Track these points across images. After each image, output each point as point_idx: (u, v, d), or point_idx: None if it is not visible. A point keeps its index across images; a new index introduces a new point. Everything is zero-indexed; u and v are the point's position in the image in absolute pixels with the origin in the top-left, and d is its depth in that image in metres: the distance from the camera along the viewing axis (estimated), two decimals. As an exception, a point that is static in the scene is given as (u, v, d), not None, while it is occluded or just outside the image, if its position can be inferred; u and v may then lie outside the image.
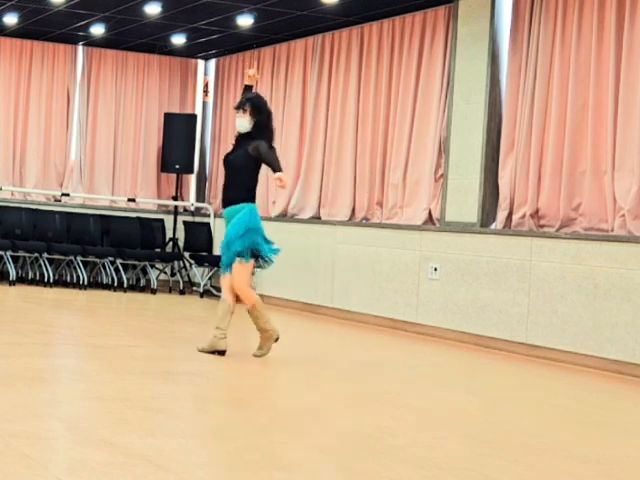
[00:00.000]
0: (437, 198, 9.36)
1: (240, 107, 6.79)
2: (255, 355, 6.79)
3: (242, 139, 6.83)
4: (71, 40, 12.64)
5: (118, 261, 12.02)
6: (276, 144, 11.71)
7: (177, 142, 12.80)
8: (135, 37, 12.26)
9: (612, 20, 7.72)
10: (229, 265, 6.67)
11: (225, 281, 6.75)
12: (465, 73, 9.00)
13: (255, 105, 6.77)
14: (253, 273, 7.00)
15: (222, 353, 6.69)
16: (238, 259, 6.62)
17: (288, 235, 11.23)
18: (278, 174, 6.41)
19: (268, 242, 6.75)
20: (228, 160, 6.85)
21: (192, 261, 12.49)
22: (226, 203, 6.77)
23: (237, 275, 6.64)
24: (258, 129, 6.74)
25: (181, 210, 13.22)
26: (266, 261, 6.73)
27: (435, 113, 9.43)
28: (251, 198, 6.72)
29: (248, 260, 6.64)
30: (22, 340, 6.94)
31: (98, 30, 11.83)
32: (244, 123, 6.77)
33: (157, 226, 12.74)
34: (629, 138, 7.54)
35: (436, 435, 4.63)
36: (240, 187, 6.72)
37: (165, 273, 12.73)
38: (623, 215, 7.54)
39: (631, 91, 7.55)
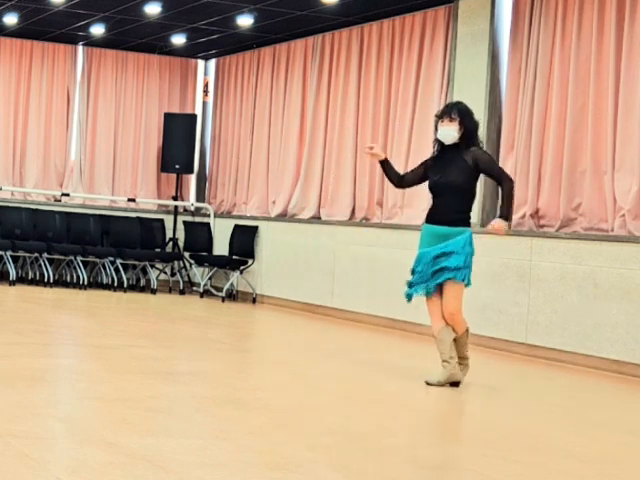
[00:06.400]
0: (437, 198, 9.34)
1: (446, 115, 6.10)
2: (439, 382, 6.10)
3: (448, 152, 6.15)
4: (71, 40, 12.64)
5: (118, 261, 12.02)
6: (276, 144, 11.90)
7: (177, 142, 12.80)
8: (135, 37, 12.25)
9: (612, 20, 7.72)
10: (435, 288, 6.08)
11: (435, 306, 6.15)
12: (465, 73, 8.99)
13: (464, 111, 6.09)
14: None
15: (456, 384, 6.15)
16: (460, 284, 6.05)
17: (288, 235, 11.23)
18: (497, 222, 5.98)
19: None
20: (448, 182, 6.06)
21: (192, 261, 12.49)
22: (443, 222, 6.05)
23: (457, 300, 6.09)
24: (467, 138, 6.06)
25: (181, 210, 13.22)
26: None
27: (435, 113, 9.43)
28: (470, 220, 6.12)
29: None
30: (22, 340, 6.94)
31: (98, 30, 11.83)
32: (451, 132, 6.08)
33: (157, 226, 12.75)
34: (629, 138, 7.54)
35: (436, 435, 4.63)
36: (466, 209, 6.05)
37: (165, 273, 12.72)
38: (623, 215, 7.54)
39: (631, 91, 7.55)
